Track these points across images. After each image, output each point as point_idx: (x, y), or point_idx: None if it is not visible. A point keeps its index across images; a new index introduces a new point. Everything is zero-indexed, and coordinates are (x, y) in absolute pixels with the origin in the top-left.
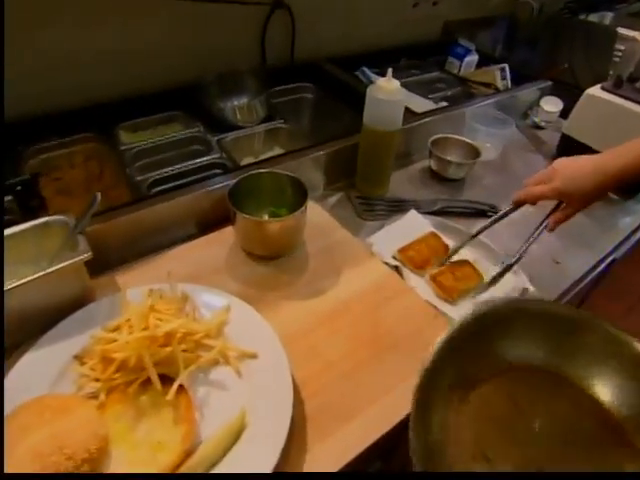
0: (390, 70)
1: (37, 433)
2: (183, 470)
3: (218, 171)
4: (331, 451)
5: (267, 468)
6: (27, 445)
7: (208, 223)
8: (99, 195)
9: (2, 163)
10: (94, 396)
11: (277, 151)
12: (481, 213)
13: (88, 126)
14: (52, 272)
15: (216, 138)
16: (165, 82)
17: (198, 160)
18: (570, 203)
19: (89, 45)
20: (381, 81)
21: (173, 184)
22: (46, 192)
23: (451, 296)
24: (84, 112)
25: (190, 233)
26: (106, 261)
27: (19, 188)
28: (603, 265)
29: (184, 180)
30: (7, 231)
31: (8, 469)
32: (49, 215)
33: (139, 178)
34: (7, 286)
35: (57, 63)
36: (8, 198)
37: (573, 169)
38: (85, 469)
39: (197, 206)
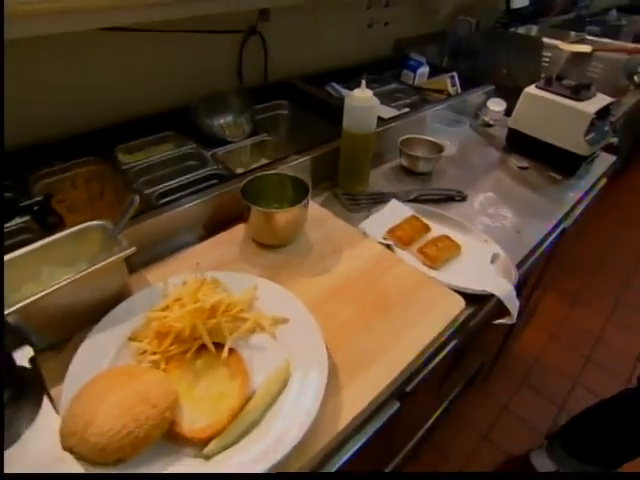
0: (364, 81)
1: (117, 392)
2: (244, 413)
3: (216, 181)
4: (360, 389)
5: (313, 407)
6: (111, 403)
7: (215, 225)
8: (137, 198)
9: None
10: (155, 367)
11: (263, 161)
12: (450, 198)
13: (87, 150)
14: (103, 266)
15: (210, 152)
16: (154, 106)
17: (198, 172)
18: None
19: (85, 76)
20: (357, 91)
21: (180, 194)
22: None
23: (436, 263)
24: (82, 138)
25: (200, 235)
26: (129, 264)
27: (36, 208)
28: (556, 233)
29: (190, 190)
30: (49, 238)
31: (103, 421)
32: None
33: (147, 191)
34: (65, 281)
35: (55, 94)
36: (25, 218)
37: None
38: (168, 415)
39: (206, 210)
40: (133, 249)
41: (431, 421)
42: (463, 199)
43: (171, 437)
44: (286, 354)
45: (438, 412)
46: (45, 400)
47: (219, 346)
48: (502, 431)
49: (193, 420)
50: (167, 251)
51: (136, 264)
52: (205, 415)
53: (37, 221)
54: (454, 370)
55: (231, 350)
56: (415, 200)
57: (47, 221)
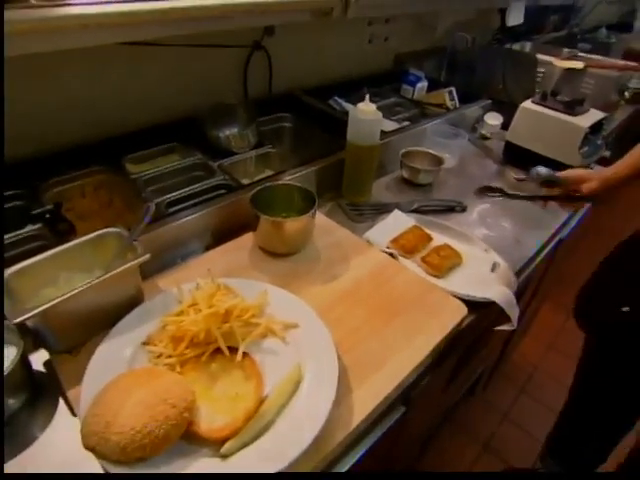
0: (368, 95)
1: (140, 391)
2: (260, 413)
3: (224, 191)
4: (369, 391)
5: (325, 407)
6: (135, 400)
7: (223, 234)
8: (153, 205)
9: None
10: (170, 369)
11: (268, 173)
12: (451, 209)
13: (95, 160)
14: (119, 272)
15: (217, 163)
16: (161, 117)
17: (206, 182)
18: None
19: (96, 88)
20: (361, 104)
21: (188, 203)
22: None
23: (439, 271)
24: (90, 148)
25: (208, 244)
26: (142, 270)
27: (48, 216)
28: (553, 243)
29: (198, 199)
30: (67, 244)
31: (124, 420)
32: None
33: (156, 200)
34: (82, 287)
35: (65, 105)
36: (38, 226)
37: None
38: (186, 415)
39: (215, 219)
40: (148, 255)
41: (433, 429)
42: (463, 210)
43: (189, 437)
44: (297, 358)
45: (440, 420)
46: (61, 402)
47: (232, 350)
48: (502, 440)
49: (210, 420)
50: (176, 259)
51: (147, 271)
52: (222, 416)
53: (49, 228)
54: (456, 377)
55: (244, 354)
56: (416, 210)
57: (59, 228)
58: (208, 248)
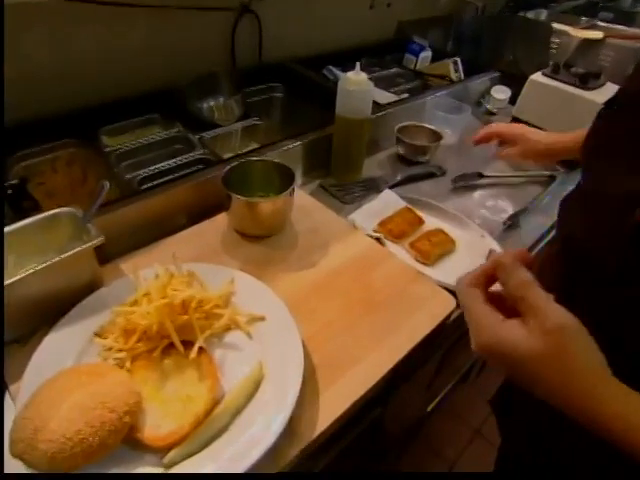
0: (358, 64)
1: (79, 392)
2: (211, 418)
3: (202, 166)
4: (339, 393)
5: (286, 410)
6: (71, 403)
7: (198, 213)
8: (107, 183)
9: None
10: (120, 365)
11: (253, 146)
12: (432, 175)
13: (69, 132)
14: (69, 256)
15: (197, 136)
16: (141, 87)
17: (184, 156)
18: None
19: (67, 53)
20: (351, 74)
21: (163, 180)
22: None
23: (428, 259)
24: (64, 119)
25: (181, 224)
26: (105, 253)
27: (10, 192)
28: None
29: (173, 175)
30: (15, 224)
31: (55, 426)
32: None
33: (128, 176)
34: (28, 271)
35: (36, 72)
36: None
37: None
38: (127, 420)
39: (188, 197)
40: (101, 239)
41: (421, 417)
42: (443, 174)
43: (132, 442)
44: (261, 354)
45: (429, 408)
46: (6, 398)
47: (190, 344)
48: (494, 426)
49: (156, 425)
50: (147, 240)
51: (112, 253)
52: (169, 420)
53: (11, 206)
54: (445, 369)
55: (202, 350)
56: (403, 182)
57: (22, 206)
58: (183, 228)
